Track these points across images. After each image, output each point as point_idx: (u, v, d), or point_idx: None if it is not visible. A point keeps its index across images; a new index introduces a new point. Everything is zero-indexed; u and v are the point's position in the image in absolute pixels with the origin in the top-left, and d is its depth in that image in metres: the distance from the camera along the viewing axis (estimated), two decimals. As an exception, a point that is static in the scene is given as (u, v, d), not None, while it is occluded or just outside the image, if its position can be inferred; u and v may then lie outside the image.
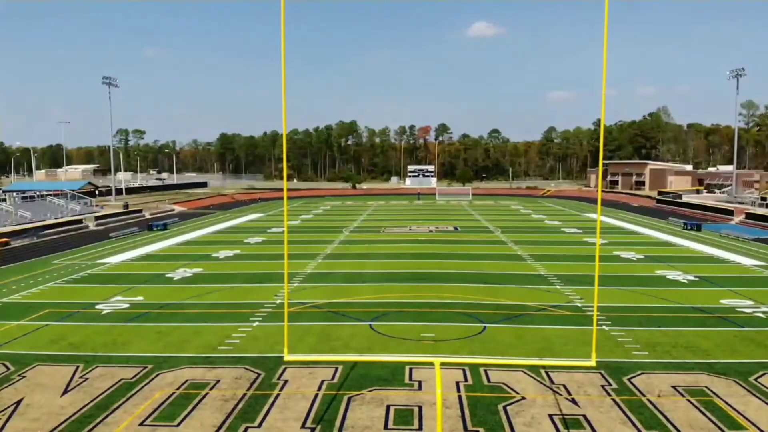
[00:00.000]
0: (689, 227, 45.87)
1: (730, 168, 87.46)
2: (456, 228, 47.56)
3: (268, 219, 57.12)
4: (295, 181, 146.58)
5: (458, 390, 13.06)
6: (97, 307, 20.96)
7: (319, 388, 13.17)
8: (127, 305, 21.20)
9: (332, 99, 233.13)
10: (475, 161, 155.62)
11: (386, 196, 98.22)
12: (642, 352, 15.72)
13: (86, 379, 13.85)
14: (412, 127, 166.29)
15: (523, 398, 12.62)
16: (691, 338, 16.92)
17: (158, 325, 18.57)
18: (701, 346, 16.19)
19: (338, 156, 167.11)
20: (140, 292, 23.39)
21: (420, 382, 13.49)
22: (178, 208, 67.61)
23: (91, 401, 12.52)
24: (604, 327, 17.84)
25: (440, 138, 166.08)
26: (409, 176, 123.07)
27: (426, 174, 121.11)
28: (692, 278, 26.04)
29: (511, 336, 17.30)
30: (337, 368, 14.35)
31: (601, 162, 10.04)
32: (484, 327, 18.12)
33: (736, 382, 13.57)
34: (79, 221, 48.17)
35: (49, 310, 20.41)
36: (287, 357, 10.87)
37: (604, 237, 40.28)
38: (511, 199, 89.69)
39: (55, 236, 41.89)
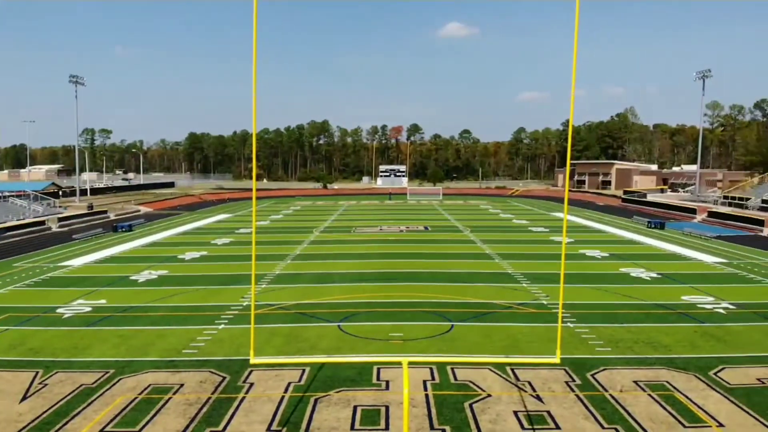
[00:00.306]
0: (653, 225, 46.90)
1: (694, 167, 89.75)
2: (426, 227, 47.77)
3: (236, 219, 56.51)
4: (265, 180, 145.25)
5: (425, 389, 13.11)
6: (59, 310, 20.44)
7: (286, 390, 13.06)
8: (89, 309, 20.71)
9: (304, 98, 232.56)
10: (446, 161, 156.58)
11: (357, 196, 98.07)
12: (605, 348, 16.01)
13: (45, 384, 13.49)
14: (384, 127, 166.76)
15: (489, 396, 12.73)
16: (653, 334, 17.29)
17: (121, 328, 18.18)
18: (662, 342, 16.55)
19: (309, 156, 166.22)
20: (103, 295, 22.88)
21: (388, 382, 13.49)
22: (144, 209, 66.37)
23: (50, 407, 12.19)
24: (569, 324, 18.12)
25: (412, 138, 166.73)
26: (381, 176, 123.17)
27: (398, 174, 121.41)
28: (655, 275, 26.62)
29: (479, 334, 17.43)
30: (304, 370, 14.26)
31: (568, 162, 10.15)
32: (452, 325, 18.22)
33: (696, 376, 13.91)
34: (42, 223, 46.92)
35: (8, 315, 19.82)
36: (253, 360, 10.73)
37: (570, 236, 40.92)
38: (480, 198, 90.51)
39: (16, 238, 40.69)
